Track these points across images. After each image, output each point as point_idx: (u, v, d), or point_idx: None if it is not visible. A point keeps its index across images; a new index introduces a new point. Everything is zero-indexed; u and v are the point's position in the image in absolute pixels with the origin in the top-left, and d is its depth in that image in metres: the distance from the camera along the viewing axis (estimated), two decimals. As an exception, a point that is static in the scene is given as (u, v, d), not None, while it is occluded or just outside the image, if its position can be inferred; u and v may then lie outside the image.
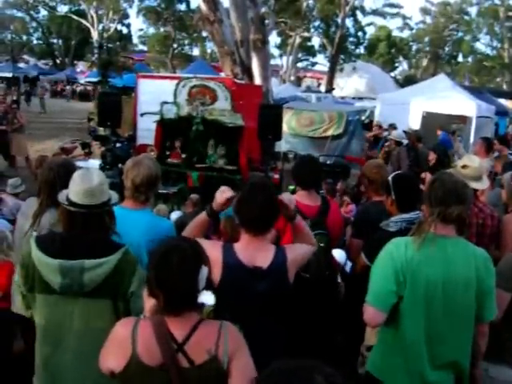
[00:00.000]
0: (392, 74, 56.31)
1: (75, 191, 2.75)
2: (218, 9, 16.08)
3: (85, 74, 50.94)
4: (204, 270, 2.17)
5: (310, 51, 56.71)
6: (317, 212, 4.12)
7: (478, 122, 16.16)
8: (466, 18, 56.12)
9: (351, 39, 51.79)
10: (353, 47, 53.44)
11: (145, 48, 63.61)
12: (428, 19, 59.99)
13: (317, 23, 48.10)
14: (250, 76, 16.52)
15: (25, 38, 67.96)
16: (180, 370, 2.11)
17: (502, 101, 24.31)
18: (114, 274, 2.70)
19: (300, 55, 52.89)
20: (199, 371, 2.14)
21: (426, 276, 2.74)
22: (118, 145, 11.70)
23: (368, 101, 27.21)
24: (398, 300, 2.81)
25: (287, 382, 1.46)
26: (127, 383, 2.19)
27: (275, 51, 52.57)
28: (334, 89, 38.92)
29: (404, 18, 57.31)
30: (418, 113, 16.47)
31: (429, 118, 16.10)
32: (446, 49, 60.22)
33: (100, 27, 54.41)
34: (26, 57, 68.16)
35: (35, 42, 69.14)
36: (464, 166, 4.42)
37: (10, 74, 42.71)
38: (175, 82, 9.88)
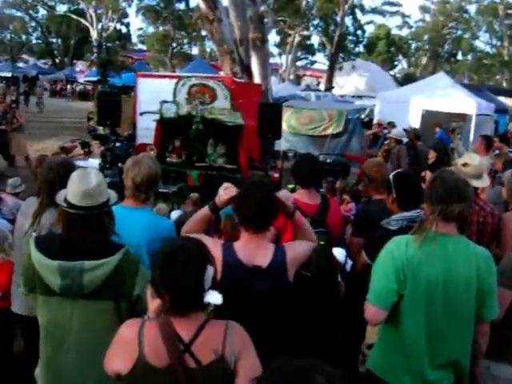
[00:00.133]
0: (391, 73, 56.32)
1: (73, 193, 2.73)
2: (217, 7, 16.08)
3: (84, 73, 50.93)
4: (210, 270, 2.17)
5: (310, 50, 56.68)
6: (317, 210, 4.11)
7: (478, 119, 16.17)
8: (466, 15, 56.11)
9: (350, 38, 51.74)
10: (352, 46, 53.39)
11: (144, 47, 63.62)
12: (427, 17, 60.09)
13: (316, 22, 48.11)
14: (250, 75, 16.52)
15: (24, 37, 67.94)
16: (187, 371, 2.10)
17: (502, 98, 24.33)
18: (114, 275, 2.68)
19: (299, 54, 52.86)
20: (206, 371, 2.13)
21: (427, 274, 2.74)
22: (117, 144, 11.69)
23: (367, 99, 27.23)
24: (398, 298, 2.80)
25: (288, 381, 1.46)
26: None
27: (274, 50, 52.70)
28: (333, 87, 38.90)
29: (403, 16, 57.48)
30: (417, 111, 16.48)
31: (428, 116, 16.12)
32: (446, 47, 60.23)
33: (99, 26, 54.38)
34: (25, 56, 68.25)
35: (34, 41, 69.19)
36: (464, 164, 4.41)
37: (9, 74, 42.73)
38: (175, 81, 9.88)
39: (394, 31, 60.55)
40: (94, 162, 9.91)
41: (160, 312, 2.21)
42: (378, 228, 3.72)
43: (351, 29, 51.13)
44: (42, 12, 63.16)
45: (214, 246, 2.87)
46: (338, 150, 15.71)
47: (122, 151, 10.86)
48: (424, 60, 62.24)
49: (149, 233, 3.33)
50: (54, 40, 65.84)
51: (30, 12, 62.43)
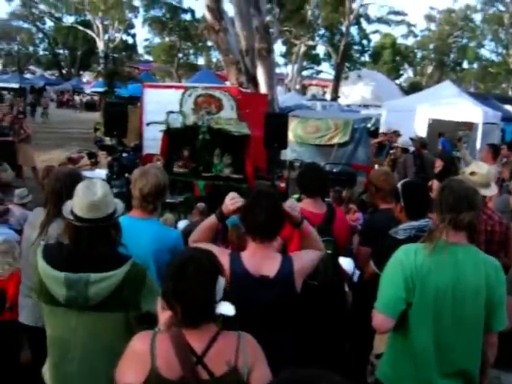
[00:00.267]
0: (397, 82, 56.37)
1: (79, 205, 2.71)
2: (222, 18, 16.15)
3: (91, 84, 51.18)
4: (221, 281, 2.17)
5: (315, 59, 56.75)
6: (323, 219, 4.11)
7: (485, 128, 16.11)
8: (471, 24, 56.09)
9: (356, 47, 51.80)
10: (358, 55, 53.46)
11: (150, 58, 63.90)
12: (433, 26, 60.06)
13: (321, 31, 48.15)
14: (256, 85, 16.56)
15: (31, 48, 68.33)
16: (200, 383, 2.10)
17: (508, 107, 24.20)
18: (122, 287, 2.67)
19: (305, 63, 52.91)
20: (219, 383, 2.12)
21: (436, 283, 2.73)
22: (124, 154, 11.71)
23: (374, 108, 27.24)
24: (407, 307, 2.79)
25: None
26: None
27: (280, 60, 52.83)
28: (339, 97, 38.99)
29: (409, 25, 57.36)
30: (423, 120, 16.44)
31: (435, 125, 16.08)
32: (451, 56, 60.14)
33: (106, 37, 54.61)
34: (32, 67, 68.67)
35: (41, 52, 69.48)
36: (472, 173, 4.41)
37: (16, 85, 43.03)
38: (181, 91, 9.93)
39: (400, 40, 60.59)
40: (101, 173, 9.93)
41: (171, 324, 2.21)
42: (385, 237, 3.71)
43: (357, 38, 51.23)
44: (49, 23, 63.66)
45: (222, 255, 2.86)
46: (345, 160, 15.70)
47: (128, 161, 10.87)
48: (430, 69, 62.19)
49: (156, 243, 3.34)
50: (61, 51, 66.19)
51: (37, 24, 62.80)
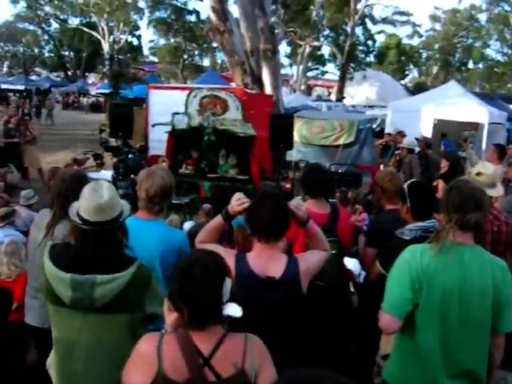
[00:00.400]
0: (402, 82, 56.28)
1: (85, 208, 2.70)
2: (227, 19, 16.17)
3: (96, 85, 51.25)
4: (228, 283, 2.16)
5: (320, 60, 56.73)
6: (326, 220, 4.11)
7: (490, 128, 16.05)
8: (476, 24, 55.96)
9: (361, 48, 51.83)
10: (363, 55, 53.47)
11: (155, 59, 64.01)
12: (438, 26, 59.94)
13: (326, 32, 48.23)
14: (261, 85, 16.57)
15: (37, 50, 68.62)
16: None
17: (514, 107, 24.18)
18: (128, 289, 2.67)
19: (310, 64, 52.88)
20: None
21: (442, 284, 2.72)
22: (130, 156, 11.74)
23: (379, 109, 27.17)
24: (413, 308, 2.79)
25: None
26: None
27: (285, 61, 52.89)
28: (344, 97, 38.95)
29: (414, 25, 57.23)
30: (429, 120, 16.39)
31: (440, 126, 16.04)
32: (457, 56, 60.07)
33: (111, 39, 54.74)
34: (38, 69, 68.87)
35: (47, 54, 69.77)
36: (478, 173, 4.40)
37: (22, 87, 43.13)
38: (186, 92, 9.95)
39: (405, 41, 60.53)
40: (107, 174, 9.95)
41: (177, 326, 2.20)
42: (390, 238, 3.71)
43: (362, 39, 51.32)
44: (55, 25, 63.88)
45: (227, 256, 2.85)
46: (350, 160, 15.67)
47: (134, 163, 10.89)
48: (435, 69, 62.09)
49: (162, 244, 3.34)
50: (67, 53, 66.35)
51: (43, 25, 63.02)
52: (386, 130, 16.04)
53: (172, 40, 56.64)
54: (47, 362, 2.99)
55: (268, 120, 9.28)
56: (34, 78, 57.76)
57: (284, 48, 51.40)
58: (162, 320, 2.36)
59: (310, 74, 54.75)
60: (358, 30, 47.83)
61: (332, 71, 55.43)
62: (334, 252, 3.81)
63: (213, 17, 16.29)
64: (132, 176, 9.03)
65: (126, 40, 59.56)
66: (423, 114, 16.57)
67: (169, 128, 9.68)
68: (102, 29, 53.80)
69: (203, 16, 48.28)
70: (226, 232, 4.97)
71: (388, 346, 3.25)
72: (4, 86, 45.23)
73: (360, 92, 41.03)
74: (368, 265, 4.38)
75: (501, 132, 17.13)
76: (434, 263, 2.74)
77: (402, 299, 2.78)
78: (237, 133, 9.26)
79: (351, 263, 4.72)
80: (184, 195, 8.93)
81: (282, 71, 26.63)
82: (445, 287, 2.72)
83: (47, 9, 61.00)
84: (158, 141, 10.84)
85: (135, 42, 65.31)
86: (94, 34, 54.88)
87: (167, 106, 10.30)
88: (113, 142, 14.82)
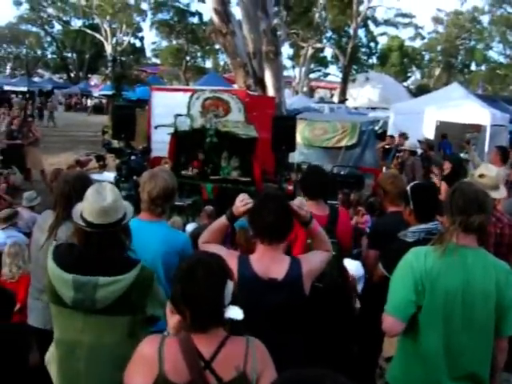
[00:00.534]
0: (405, 84, 56.22)
1: (89, 210, 2.71)
2: (230, 21, 16.16)
3: (98, 87, 51.29)
4: (230, 285, 2.15)
5: (323, 62, 56.69)
6: (325, 221, 4.11)
7: (493, 130, 16.03)
8: (479, 26, 55.92)
9: (363, 49, 51.78)
10: (365, 57, 53.44)
11: (158, 61, 64.08)
12: (440, 28, 59.85)
13: (329, 34, 48.20)
14: (263, 87, 16.56)
15: (39, 52, 68.67)
16: None
17: (516, 109, 24.14)
18: (131, 291, 2.67)
19: (312, 66, 52.84)
20: None
21: (445, 286, 2.72)
22: (132, 157, 11.74)
23: (381, 111, 27.11)
24: (416, 310, 2.78)
25: None
26: None
27: (288, 62, 52.74)
28: (347, 99, 38.89)
29: (416, 27, 57.15)
30: (431, 122, 16.38)
31: (443, 127, 16.03)
32: (459, 58, 60.00)
33: (113, 41, 54.76)
34: (40, 71, 68.97)
35: (50, 56, 69.81)
36: (481, 176, 4.40)
37: (25, 89, 43.26)
38: (189, 94, 9.91)
39: (407, 43, 60.50)
40: (109, 176, 9.95)
41: (180, 328, 2.20)
42: (393, 240, 3.70)
43: (364, 41, 51.22)
44: (57, 27, 63.88)
45: (230, 258, 2.85)
46: (352, 162, 15.66)
47: (137, 164, 10.88)
48: (437, 71, 62.05)
49: (165, 246, 3.35)
50: (69, 55, 66.37)
51: (46, 27, 63.09)
52: (389, 132, 16.01)
53: (174, 42, 56.69)
54: (46, 356, 2.99)
55: (270, 122, 9.26)
56: (36, 79, 57.88)
57: (286, 50, 51.46)
58: (164, 322, 2.36)
59: (312, 75, 54.70)
60: (361, 32, 47.82)
61: (334, 73, 55.43)
62: (334, 253, 3.81)
63: (215, 19, 16.29)
64: (134, 178, 9.03)
65: (129, 42, 59.57)
66: (426, 116, 16.55)
67: (171, 130, 9.67)
68: (105, 31, 53.84)
69: (206, 18, 48.27)
70: (228, 234, 4.97)
71: (391, 349, 3.25)
72: (7, 88, 45.36)
73: (362, 94, 41.00)
74: (370, 267, 4.38)
75: (503, 134, 17.11)
76: (437, 265, 2.73)
77: (405, 301, 2.78)
78: (239, 135, 9.25)
79: (353, 265, 4.72)
80: (186, 197, 8.93)
81: (285, 73, 26.59)
82: (448, 289, 2.71)
83: (50, 11, 61.05)
84: (161, 142, 10.82)
85: (138, 43, 65.43)
86: (97, 35, 54.92)
87: (170, 107, 10.28)
88: (115, 143, 14.77)
